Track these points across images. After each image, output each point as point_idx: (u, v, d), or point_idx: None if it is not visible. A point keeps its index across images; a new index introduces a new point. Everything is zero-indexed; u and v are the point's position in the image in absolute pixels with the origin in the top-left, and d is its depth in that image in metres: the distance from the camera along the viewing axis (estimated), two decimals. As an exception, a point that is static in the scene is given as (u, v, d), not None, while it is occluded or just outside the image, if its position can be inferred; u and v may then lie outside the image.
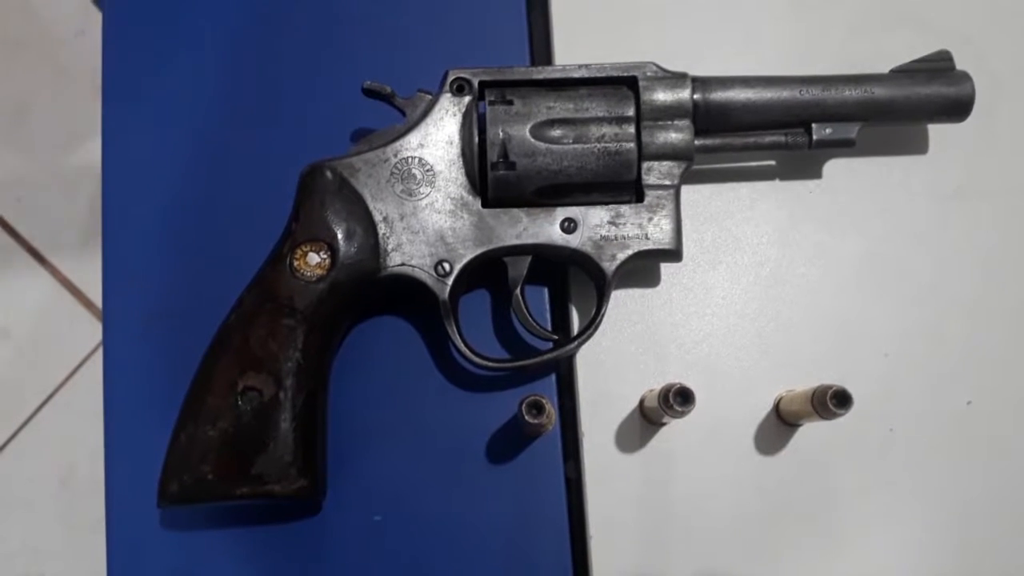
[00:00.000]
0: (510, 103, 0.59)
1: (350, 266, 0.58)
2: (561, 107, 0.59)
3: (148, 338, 0.63)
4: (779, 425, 0.62)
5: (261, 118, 0.67)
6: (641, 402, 0.62)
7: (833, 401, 0.55)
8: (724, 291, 0.65)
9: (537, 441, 0.62)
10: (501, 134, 0.58)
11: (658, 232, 0.59)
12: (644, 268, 0.64)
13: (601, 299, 0.60)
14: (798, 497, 0.62)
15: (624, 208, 0.59)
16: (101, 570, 0.60)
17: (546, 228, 0.59)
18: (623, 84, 0.60)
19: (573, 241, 0.59)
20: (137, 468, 0.59)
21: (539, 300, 0.64)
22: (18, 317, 1.57)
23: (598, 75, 0.60)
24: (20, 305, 1.58)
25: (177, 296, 0.64)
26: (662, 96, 0.59)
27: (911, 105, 0.61)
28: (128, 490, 0.61)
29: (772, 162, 0.66)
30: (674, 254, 0.60)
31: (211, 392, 0.56)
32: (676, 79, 0.60)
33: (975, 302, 0.65)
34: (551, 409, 0.56)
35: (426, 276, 0.59)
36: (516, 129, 0.58)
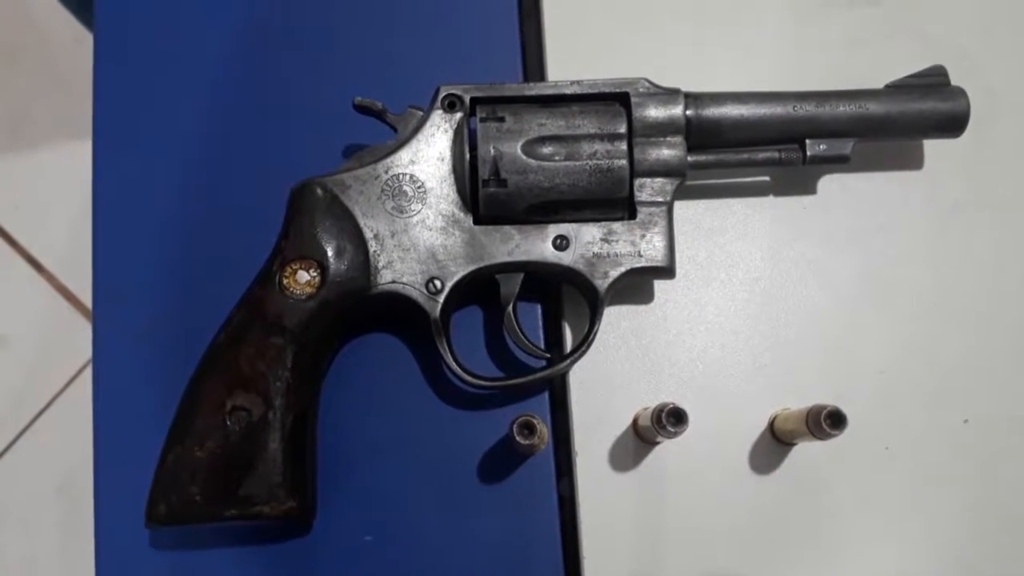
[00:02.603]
0: (501, 120, 0.58)
1: (340, 284, 0.57)
2: (553, 124, 0.58)
3: (138, 355, 0.63)
4: (774, 444, 0.62)
5: (252, 134, 0.66)
6: (635, 421, 0.61)
7: (828, 422, 0.54)
8: (718, 308, 0.64)
9: (530, 460, 0.61)
10: (492, 151, 0.58)
11: (651, 249, 0.59)
12: (637, 285, 0.63)
13: (594, 317, 0.59)
14: (793, 516, 0.61)
15: (616, 225, 0.59)
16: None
17: (538, 245, 0.59)
18: (615, 100, 0.59)
19: (565, 258, 0.59)
20: (127, 486, 0.58)
21: (532, 318, 0.64)
22: (16, 325, 1.57)
23: (590, 91, 0.59)
24: (18, 313, 1.58)
25: (168, 313, 0.64)
26: (654, 112, 0.59)
27: (906, 121, 0.61)
28: (117, 509, 0.60)
29: (766, 178, 0.66)
30: (667, 271, 0.59)
31: (199, 412, 0.55)
32: (668, 95, 0.59)
33: (972, 319, 0.64)
34: (543, 429, 0.56)
35: (417, 294, 0.58)
36: (507, 146, 0.58)
